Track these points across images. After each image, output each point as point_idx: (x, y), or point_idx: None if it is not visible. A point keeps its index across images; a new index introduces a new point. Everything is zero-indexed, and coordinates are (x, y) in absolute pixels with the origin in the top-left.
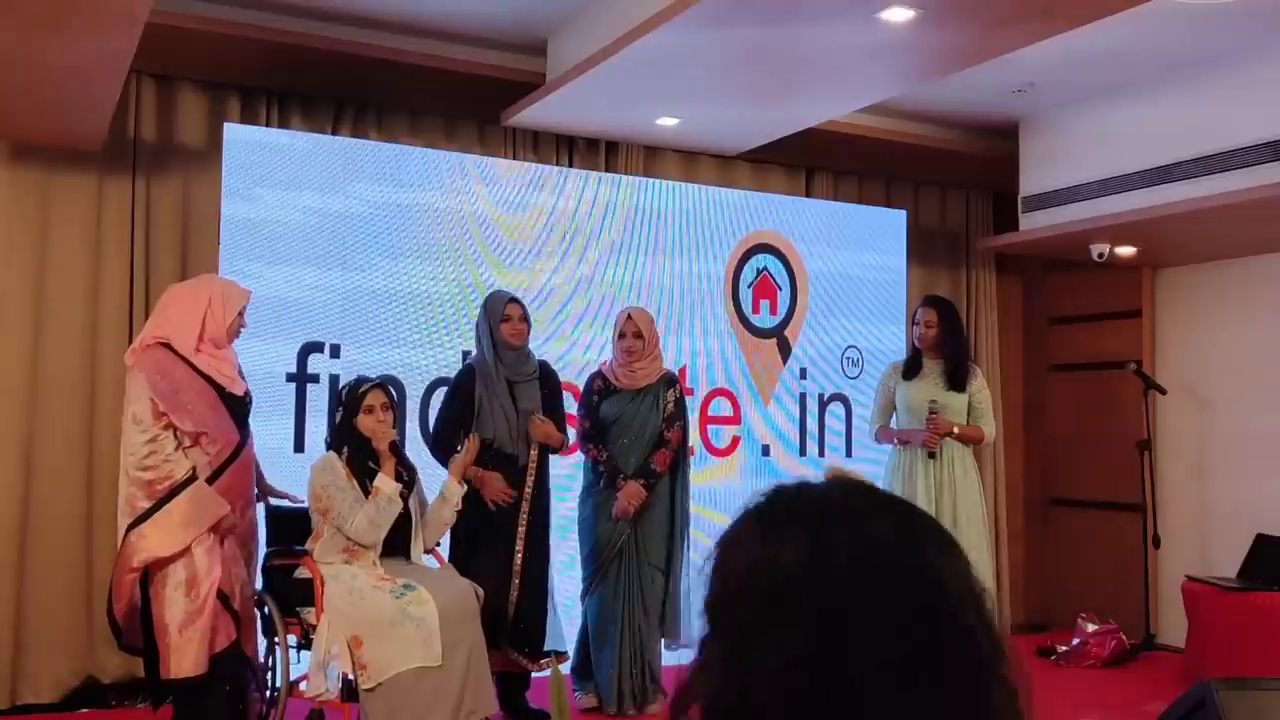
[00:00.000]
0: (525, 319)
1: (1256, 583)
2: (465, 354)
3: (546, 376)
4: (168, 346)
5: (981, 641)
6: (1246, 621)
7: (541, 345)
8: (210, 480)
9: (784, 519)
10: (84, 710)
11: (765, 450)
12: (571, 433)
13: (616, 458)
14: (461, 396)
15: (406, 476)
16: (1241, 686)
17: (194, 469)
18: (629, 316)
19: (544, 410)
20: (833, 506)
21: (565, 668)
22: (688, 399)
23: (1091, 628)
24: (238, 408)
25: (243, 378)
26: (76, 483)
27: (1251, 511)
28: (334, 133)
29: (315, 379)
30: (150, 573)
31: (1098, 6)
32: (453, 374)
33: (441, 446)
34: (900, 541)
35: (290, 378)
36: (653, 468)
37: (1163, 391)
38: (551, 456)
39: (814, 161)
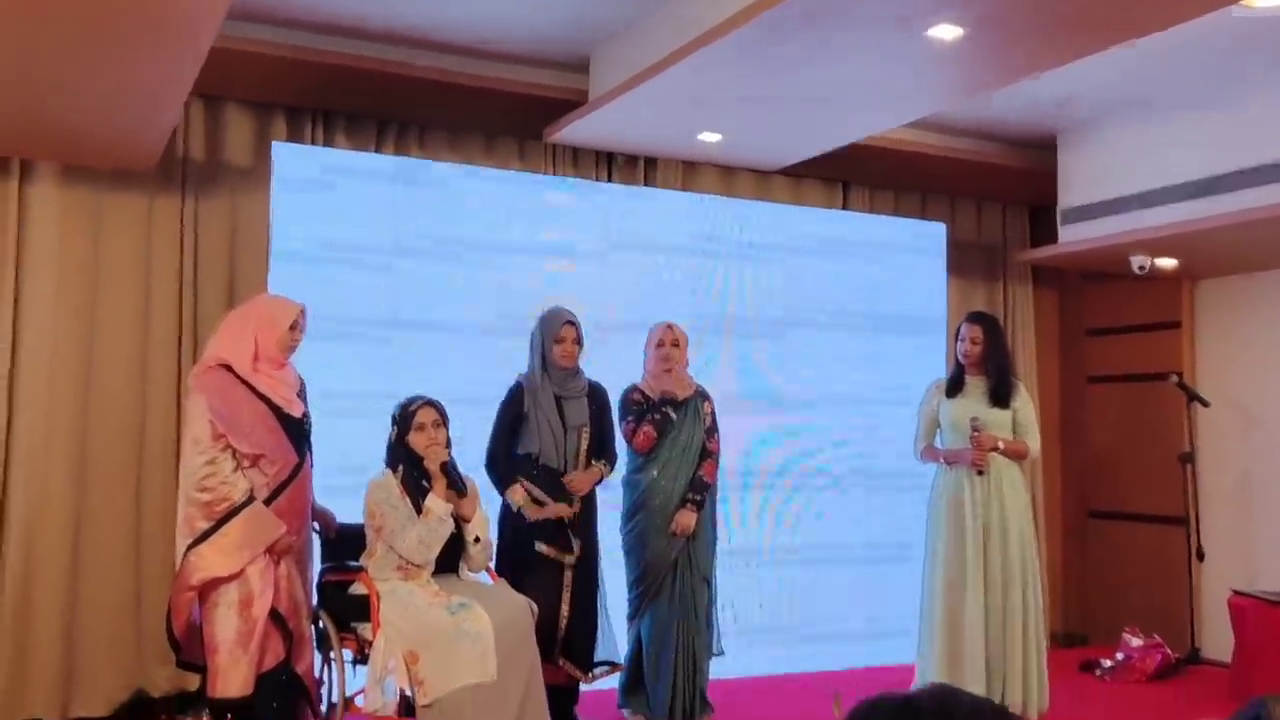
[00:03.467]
0: (579, 340)
1: None
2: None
3: (595, 394)
4: (228, 368)
5: None
6: None
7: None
8: (268, 501)
9: None
10: None
11: (808, 464)
12: (620, 450)
13: (663, 476)
14: (511, 413)
15: (458, 496)
16: None
17: (251, 490)
18: (668, 326)
19: (592, 427)
20: (919, 706)
21: (615, 681)
22: (733, 404)
23: (1136, 642)
24: (295, 429)
25: (303, 399)
26: (127, 499)
27: None
28: (377, 150)
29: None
30: (204, 591)
31: (1141, 23)
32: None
33: (497, 466)
34: None
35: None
36: (704, 479)
37: (1205, 403)
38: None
39: (851, 175)
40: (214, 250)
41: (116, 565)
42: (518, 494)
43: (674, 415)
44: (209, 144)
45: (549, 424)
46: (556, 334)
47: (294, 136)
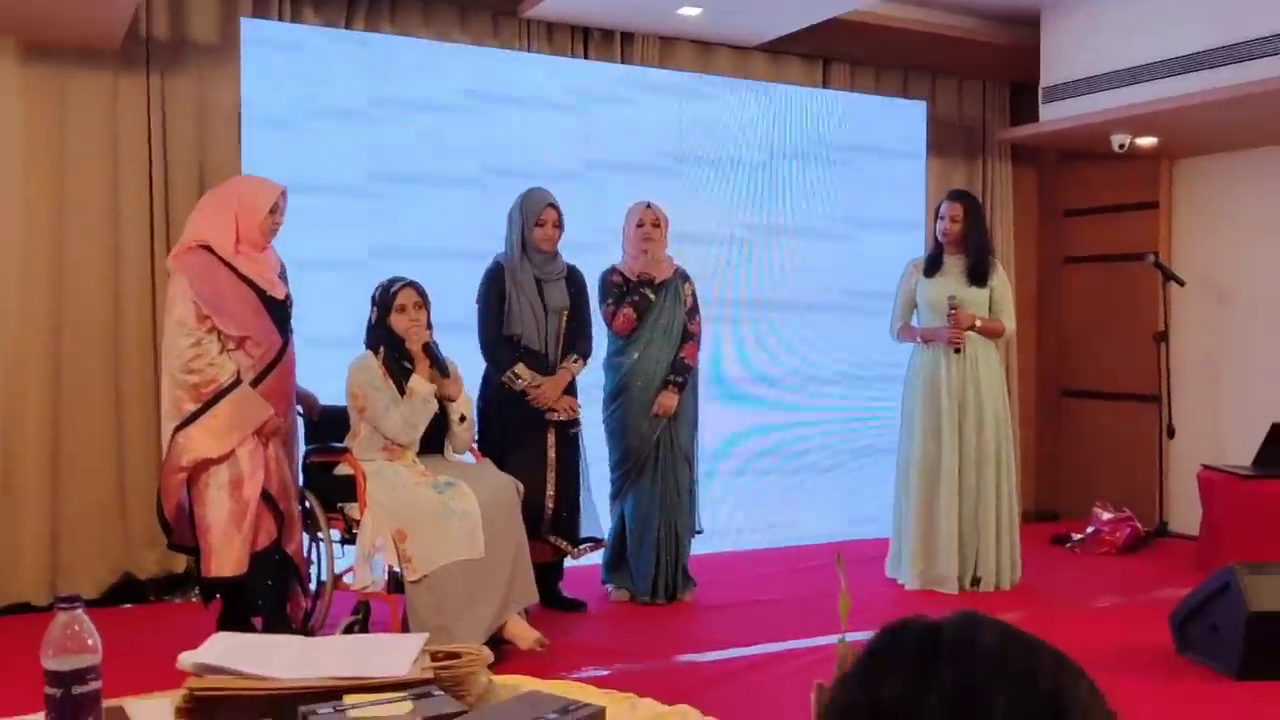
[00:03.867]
0: (559, 224)
1: (1272, 471)
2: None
3: (573, 276)
4: (208, 249)
5: None
6: (1260, 508)
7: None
8: (254, 383)
9: (887, 652)
10: (126, 606)
11: (789, 345)
12: (600, 328)
13: (645, 358)
14: (494, 293)
15: (441, 376)
16: (1261, 571)
17: (238, 372)
18: (648, 206)
19: (571, 310)
20: (940, 636)
21: (598, 557)
22: (721, 294)
23: (1107, 515)
24: (279, 311)
25: (284, 280)
26: (105, 383)
27: (1266, 401)
28: (348, 26)
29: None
30: (195, 473)
31: None
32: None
33: (493, 349)
34: (1011, 661)
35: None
36: (685, 361)
37: (1181, 283)
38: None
39: (832, 52)
40: (182, 129)
41: (98, 450)
42: (526, 372)
43: (653, 296)
44: (173, 21)
45: (531, 306)
46: (538, 217)
47: (260, 12)
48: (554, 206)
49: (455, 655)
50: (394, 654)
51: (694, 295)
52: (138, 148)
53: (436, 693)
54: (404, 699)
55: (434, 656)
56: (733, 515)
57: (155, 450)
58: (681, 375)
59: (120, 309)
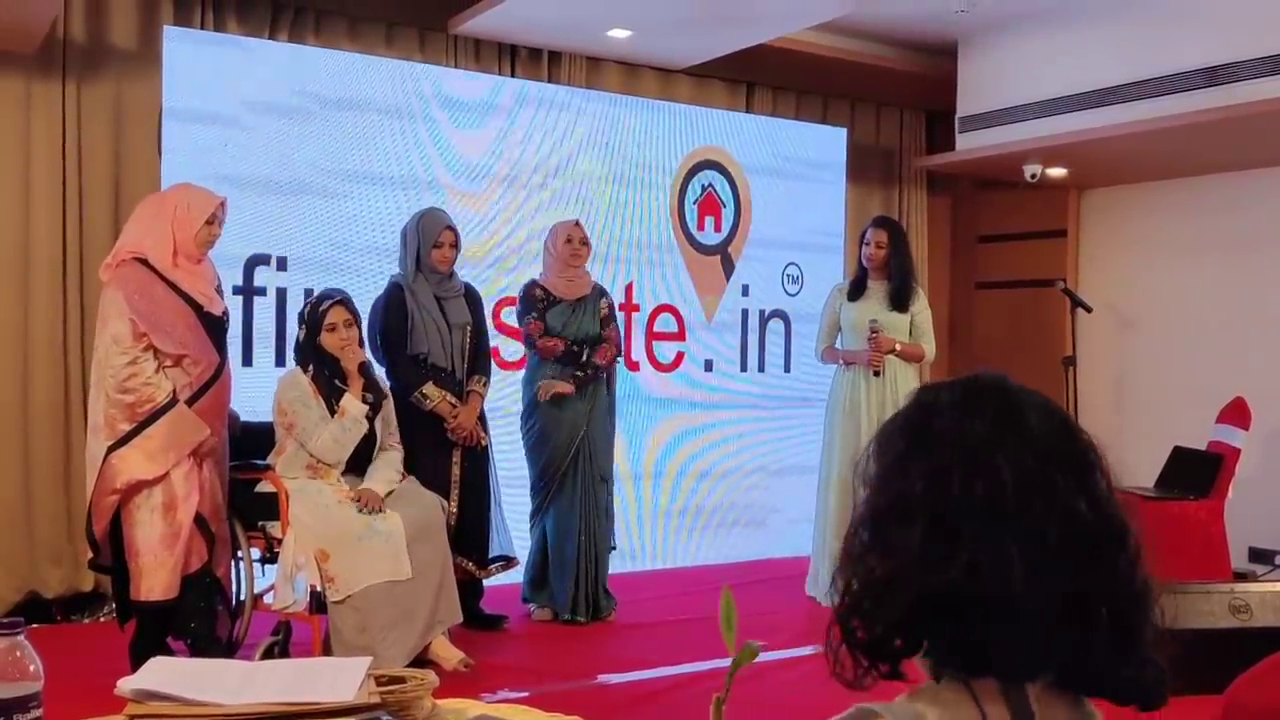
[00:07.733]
0: (456, 245)
1: (1173, 492)
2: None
3: (471, 293)
4: (144, 262)
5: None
6: (1163, 529)
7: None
8: (190, 402)
9: (934, 394)
10: (32, 625)
11: (708, 365)
12: (513, 345)
13: (561, 374)
14: (395, 314)
15: (373, 398)
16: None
17: (174, 391)
18: (576, 223)
19: (473, 326)
20: (979, 380)
21: (516, 575)
22: (635, 315)
23: None
24: (216, 328)
25: (221, 295)
26: (12, 396)
27: (1169, 424)
28: (271, 37)
29: (262, 292)
30: (127, 494)
31: None
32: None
33: (398, 369)
34: (1031, 394)
35: (236, 290)
36: (595, 361)
37: (1089, 310)
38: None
39: (755, 76)
40: (99, 137)
41: (4, 463)
42: (435, 392)
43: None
44: (90, 25)
45: (434, 324)
46: (435, 239)
47: (182, 20)
48: (452, 229)
49: (400, 679)
50: (339, 678)
51: (610, 307)
52: (51, 155)
53: (385, 718)
54: None
55: (378, 680)
56: (654, 533)
57: (63, 465)
58: (584, 371)
59: (30, 319)
